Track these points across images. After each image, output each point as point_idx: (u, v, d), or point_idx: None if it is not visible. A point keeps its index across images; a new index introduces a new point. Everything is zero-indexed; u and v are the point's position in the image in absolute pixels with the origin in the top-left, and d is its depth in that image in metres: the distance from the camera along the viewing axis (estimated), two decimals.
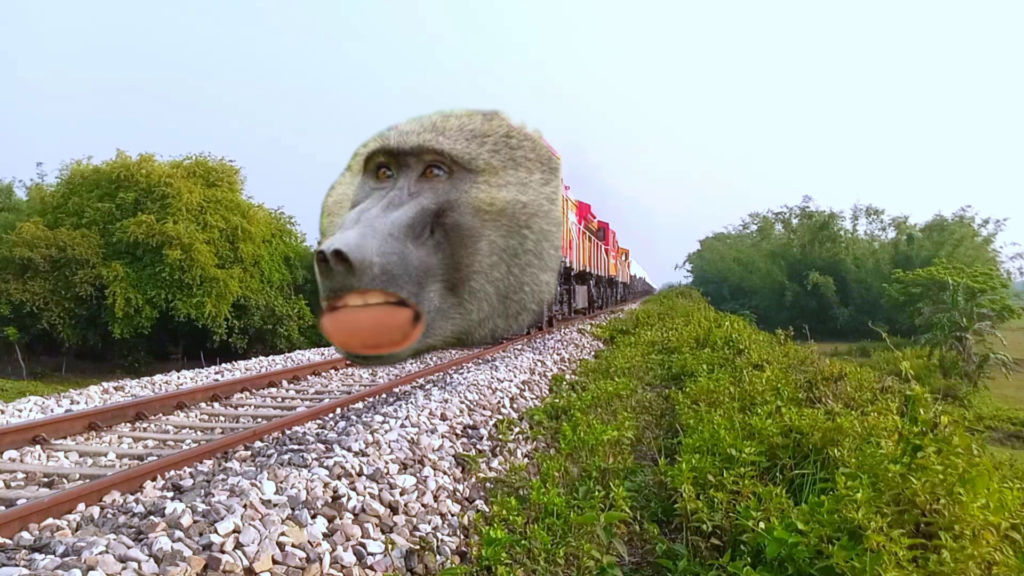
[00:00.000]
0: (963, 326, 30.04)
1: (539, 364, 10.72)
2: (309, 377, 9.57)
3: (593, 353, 14.08)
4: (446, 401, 6.66)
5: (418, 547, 3.63)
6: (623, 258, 40.26)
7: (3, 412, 6.68)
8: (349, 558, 3.38)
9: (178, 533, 3.12)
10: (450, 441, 5.56)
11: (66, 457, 5.54)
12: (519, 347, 13.10)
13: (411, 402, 6.55)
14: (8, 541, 3.50)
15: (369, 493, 4.09)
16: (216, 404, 7.55)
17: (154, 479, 4.73)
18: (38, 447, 5.63)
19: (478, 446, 5.70)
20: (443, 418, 6.11)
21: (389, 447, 4.97)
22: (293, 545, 3.27)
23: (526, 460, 5.73)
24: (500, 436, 5.99)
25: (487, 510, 4.44)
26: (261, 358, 11.85)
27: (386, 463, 4.66)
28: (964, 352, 29.39)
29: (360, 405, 7.19)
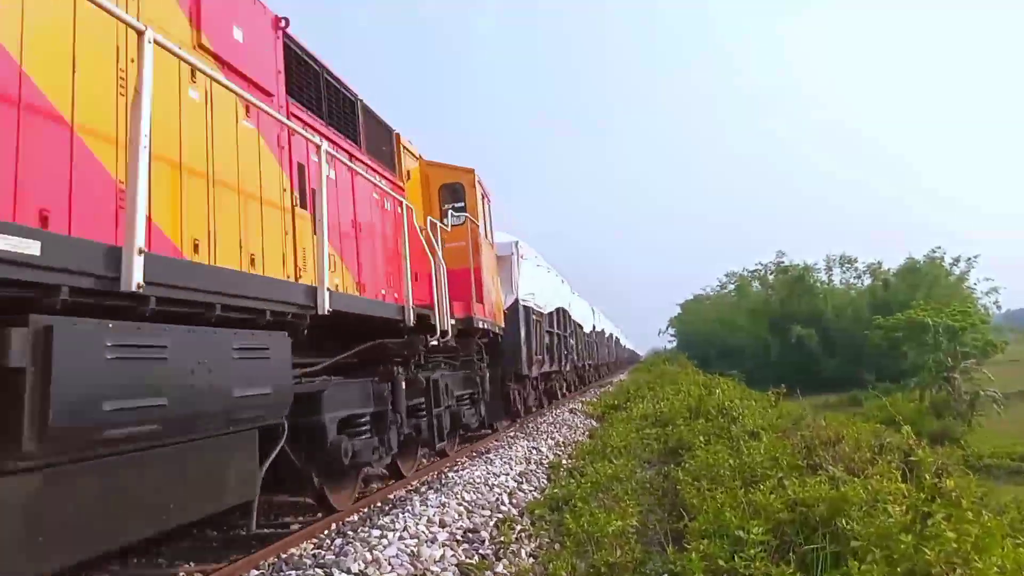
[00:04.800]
0: (949, 366, 30.15)
1: (534, 452, 10.56)
2: None
3: (587, 433, 13.92)
4: (443, 505, 6.51)
5: None
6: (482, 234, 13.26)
7: None
8: None
9: None
10: (451, 549, 5.41)
11: None
12: (512, 435, 12.93)
13: (408, 510, 6.40)
14: None
15: None
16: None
17: None
18: None
19: (480, 551, 5.55)
20: (442, 524, 5.96)
21: (389, 564, 4.83)
22: None
23: (531, 560, 5.57)
24: (502, 538, 5.83)
25: None
26: None
27: None
28: (954, 392, 29.41)
29: (355, 517, 7.00)
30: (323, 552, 5.44)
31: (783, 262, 59.36)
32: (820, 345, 49.53)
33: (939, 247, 53.01)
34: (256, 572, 5.26)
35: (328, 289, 5.61)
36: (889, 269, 55.08)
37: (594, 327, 31.90)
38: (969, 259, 51.75)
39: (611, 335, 46.74)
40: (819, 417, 11.26)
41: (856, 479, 5.53)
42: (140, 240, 3.57)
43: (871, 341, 40.09)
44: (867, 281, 56.48)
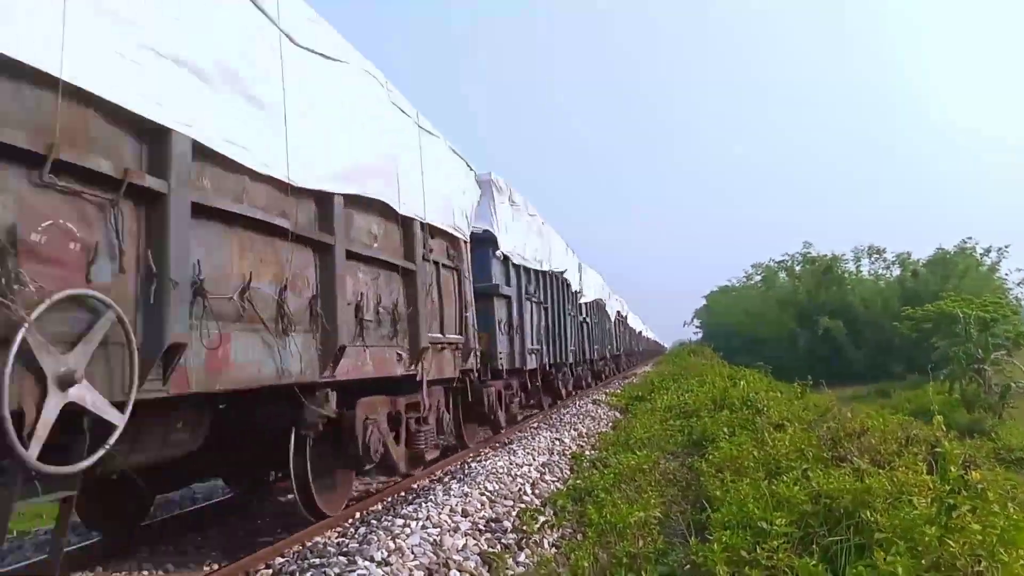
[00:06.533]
0: (980, 357, 29.70)
1: (557, 443, 10.58)
2: None
3: (611, 424, 13.90)
4: (466, 495, 6.54)
5: None
6: None
7: None
8: None
9: None
10: (474, 538, 5.45)
11: None
12: (535, 425, 12.95)
13: (431, 499, 6.44)
14: None
15: None
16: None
17: None
18: (97, 568, 5.54)
19: (502, 540, 5.57)
20: (464, 514, 6.00)
21: (412, 552, 4.87)
22: None
23: (554, 550, 5.59)
24: (524, 528, 5.85)
25: None
26: None
27: (410, 571, 4.56)
28: (984, 384, 28.98)
29: (379, 506, 7.06)
30: (347, 540, 5.49)
31: (810, 252, 58.78)
32: (848, 336, 49.00)
33: (970, 237, 52.19)
34: (281, 560, 5.33)
35: None
36: (919, 260, 54.35)
37: (580, 293, 19.84)
38: (1000, 249, 50.98)
39: (610, 307, 29.32)
40: (846, 409, 11.16)
41: (881, 471, 5.49)
42: None
43: (900, 332, 39.61)
44: (896, 272, 55.80)
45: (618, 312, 34.00)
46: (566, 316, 17.09)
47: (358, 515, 6.76)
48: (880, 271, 57.31)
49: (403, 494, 7.46)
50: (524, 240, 12.61)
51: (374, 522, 5.97)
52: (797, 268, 60.51)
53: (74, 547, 5.89)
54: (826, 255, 57.48)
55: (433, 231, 8.03)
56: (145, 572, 5.88)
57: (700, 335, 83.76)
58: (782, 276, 62.93)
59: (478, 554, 5.15)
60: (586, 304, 21.09)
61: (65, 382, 3.19)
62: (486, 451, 10.06)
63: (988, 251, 51.49)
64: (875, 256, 57.33)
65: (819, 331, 49.59)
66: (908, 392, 30.12)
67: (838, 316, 50.01)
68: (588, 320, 21.41)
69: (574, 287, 18.66)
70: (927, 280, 49.97)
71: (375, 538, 5.19)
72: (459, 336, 8.86)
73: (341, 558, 4.78)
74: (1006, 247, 50.84)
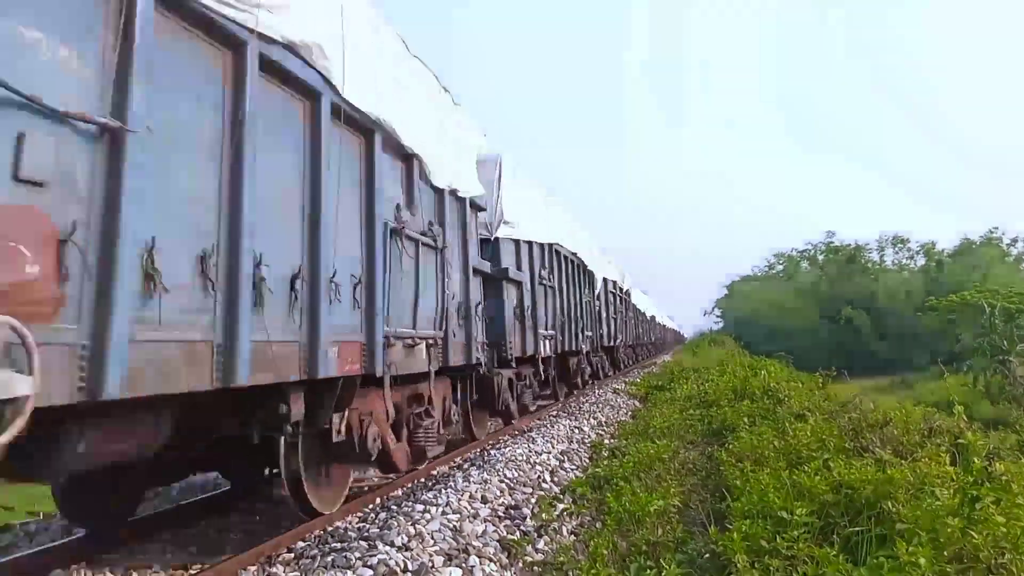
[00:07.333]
0: (1005, 349, 29.33)
1: (576, 431, 10.58)
2: None
3: (630, 413, 13.89)
4: (485, 482, 6.57)
5: None
6: None
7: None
8: None
9: None
10: (493, 525, 5.47)
11: (111, 573, 5.50)
12: (554, 414, 12.97)
13: (450, 486, 6.48)
14: None
15: None
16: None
17: None
18: (83, 563, 5.59)
19: (521, 527, 5.60)
20: (484, 501, 6.03)
21: (432, 538, 4.90)
22: None
23: (573, 537, 5.61)
24: (544, 515, 5.87)
25: None
26: None
27: (430, 556, 4.58)
28: (1009, 376, 28.62)
29: (399, 492, 7.11)
30: (367, 526, 5.54)
31: (833, 242, 58.30)
32: (871, 327, 48.58)
33: (996, 227, 51.59)
34: (303, 544, 5.38)
35: None
36: (943, 250, 53.79)
37: (497, 217, 10.36)
38: None
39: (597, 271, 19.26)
40: (868, 399, 11.08)
41: (903, 462, 5.45)
42: None
43: (925, 323, 39.23)
44: (920, 262, 55.26)
45: (614, 283, 23.12)
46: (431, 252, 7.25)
47: (378, 500, 6.81)
48: (904, 261, 56.81)
49: (423, 480, 7.50)
50: None
51: (394, 508, 6.01)
52: (820, 257, 60.06)
53: (58, 542, 5.93)
54: (849, 244, 57.03)
55: None
56: (169, 554, 5.94)
57: (721, 324, 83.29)
58: (804, 265, 62.48)
59: (497, 540, 5.17)
60: (532, 246, 12.14)
61: None
62: (505, 439, 10.06)
63: (1015, 241, 50.92)
64: (899, 246, 56.83)
65: (841, 321, 49.23)
66: (931, 383, 29.83)
67: (861, 306, 49.60)
68: (525, 279, 11.56)
69: (473, 196, 8.74)
70: (952, 270, 49.46)
71: (395, 523, 5.23)
72: None
73: (362, 543, 4.82)
74: None
